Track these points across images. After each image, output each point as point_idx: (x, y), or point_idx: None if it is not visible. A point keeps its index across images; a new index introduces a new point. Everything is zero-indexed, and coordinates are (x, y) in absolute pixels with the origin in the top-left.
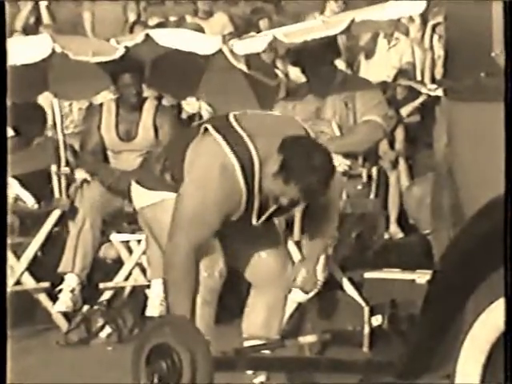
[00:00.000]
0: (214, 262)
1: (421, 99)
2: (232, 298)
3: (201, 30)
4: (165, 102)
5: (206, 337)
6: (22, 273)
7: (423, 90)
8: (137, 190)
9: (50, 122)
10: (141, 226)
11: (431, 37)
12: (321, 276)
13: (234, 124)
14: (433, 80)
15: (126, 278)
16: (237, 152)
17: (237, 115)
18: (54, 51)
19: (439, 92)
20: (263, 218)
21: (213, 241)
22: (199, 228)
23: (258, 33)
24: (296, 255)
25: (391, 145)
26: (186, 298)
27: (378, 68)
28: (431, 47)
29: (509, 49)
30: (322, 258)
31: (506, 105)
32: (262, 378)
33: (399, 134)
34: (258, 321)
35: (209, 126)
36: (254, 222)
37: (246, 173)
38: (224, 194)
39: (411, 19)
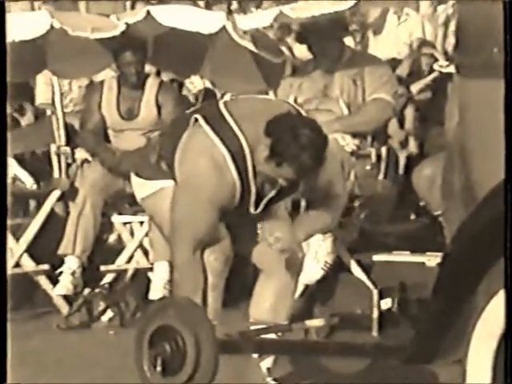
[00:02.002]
0: (221, 245)
1: (432, 76)
2: (238, 282)
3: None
4: (164, 76)
5: (214, 321)
6: (21, 255)
7: (435, 66)
8: (136, 182)
9: (48, 100)
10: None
11: (444, 11)
12: (301, 236)
13: (224, 111)
14: (446, 57)
15: (128, 261)
16: (226, 142)
17: (227, 102)
18: (52, 27)
19: (451, 69)
20: (261, 205)
21: (218, 226)
22: (196, 227)
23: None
24: None
25: (401, 124)
26: (193, 294)
27: (387, 45)
28: (444, 22)
29: (509, 49)
30: (330, 241)
31: (506, 106)
32: (268, 361)
33: (409, 112)
34: (266, 306)
35: (199, 117)
36: (252, 211)
37: (238, 162)
38: (217, 188)
39: None
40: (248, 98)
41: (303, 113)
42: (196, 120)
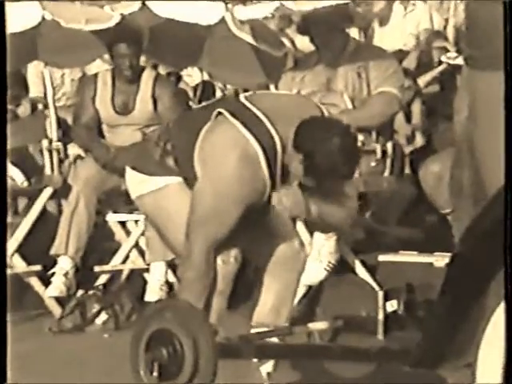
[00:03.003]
0: (229, 248)
1: (440, 68)
2: (238, 284)
3: None
4: (161, 69)
5: (217, 327)
6: (12, 255)
7: (442, 58)
8: (134, 177)
9: (40, 93)
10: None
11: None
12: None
13: (250, 106)
14: (456, 48)
15: (124, 261)
16: (259, 138)
17: (248, 96)
18: (43, 19)
19: (460, 60)
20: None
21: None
22: (218, 226)
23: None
24: (305, 237)
25: (407, 118)
26: (200, 297)
27: (393, 36)
28: (452, 12)
29: (509, 49)
30: (333, 240)
31: (506, 107)
32: (268, 365)
33: (416, 106)
34: (267, 307)
35: (223, 111)
36: (271, 212)
37: (270, 159)
38: (245, 187)
39: None
40: (268, 93)
41: (325, 113)
42: (219, 114)
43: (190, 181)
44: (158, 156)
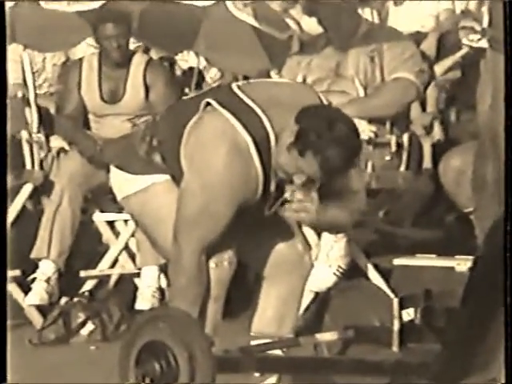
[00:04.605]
0: (223, 249)
1: (462, 52)
2: (237, 291)
3: None
4: (153, 54)
5: (213, 337)
6: None
7: (464, 40)
8: (119, 177)
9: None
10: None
11: None
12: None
13: (241, 95)
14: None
15: (112, 265)
16: (249, 128)
17: (240, 85)
18: None
19: (483, 43)
20: (277, 204)
21: (231, 227)
22: (209, 226)
23: None
24: (312, 238)
25: (425, 107)
26: (193, 304)
27: (409, 16)
28: None
29: (509, 49)
30: (344, 242)
31: (507, 108)
32: (271, 380)
33: (435, 93)
34: (268, 316)
35: (211, 101)
36: (266, 211)
37: (262, 152)
38: (237, 181)
39: None
40: (262, 82)
41: (325, 101)
42: (208, 104)
43: (178, 178)
44: (144, 153)
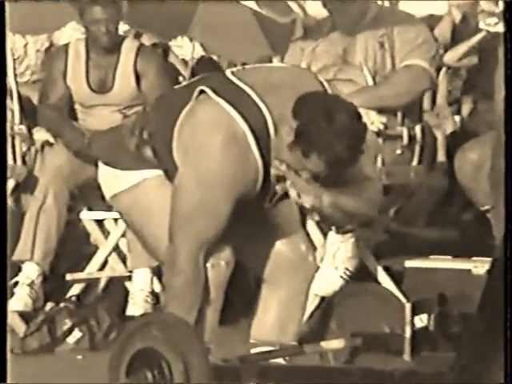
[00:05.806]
0: (219, 248)
1: (478, 36)
2: (235, 294)
3: None
4: (145, 40)
5: (210, 344)
6: None
7: (481, 24)
8: (107, 174)
9: None
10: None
11: None
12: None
13: (237, 81)
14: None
15: (101, 268)
16: (246, 116)
17: (235, 71)
18: None
19: (501, 27)
20: (277, 196)
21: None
22: (206, 223)
23: None
24: (317, 238)
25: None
26: (191, 308)
27: None
28: None
29: (509, 48)
30: (351, 242)
31: (506, 109)
32: None
33: (443, 81)
34: (269, 322)
35: (205, 88)
36: (266, 204)
37: (260, 141)
38: (235, 174)
39: None
40: (258, 67)
41: (328, 88)
42: (201, 92)
43: (171, 173)
44: (134, 146)
